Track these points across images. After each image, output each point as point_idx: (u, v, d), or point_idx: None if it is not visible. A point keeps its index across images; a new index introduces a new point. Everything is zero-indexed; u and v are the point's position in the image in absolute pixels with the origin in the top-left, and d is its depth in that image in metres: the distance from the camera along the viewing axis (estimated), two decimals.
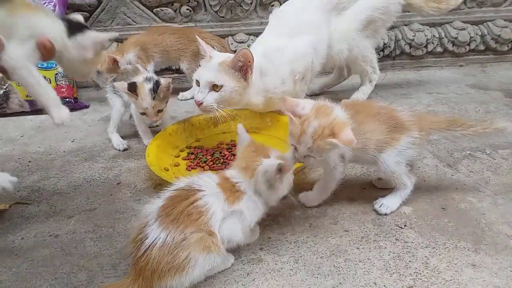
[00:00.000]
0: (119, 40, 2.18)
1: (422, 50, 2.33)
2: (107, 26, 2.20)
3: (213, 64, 1.34)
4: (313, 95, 1.99)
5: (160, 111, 1.49)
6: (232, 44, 2.23)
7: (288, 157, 1.05)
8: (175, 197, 0.89)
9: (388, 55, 2.33)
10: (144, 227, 0.86)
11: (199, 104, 1.32)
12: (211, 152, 1.47)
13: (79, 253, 1.06)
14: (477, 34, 2.32)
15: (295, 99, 1.05)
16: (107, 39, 1.07)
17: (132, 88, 1.44)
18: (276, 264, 0.99)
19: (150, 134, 1.60)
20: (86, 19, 2.16)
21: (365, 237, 1.07)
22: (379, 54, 2.17)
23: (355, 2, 1.68)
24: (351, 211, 1.17)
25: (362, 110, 1.10)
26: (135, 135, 1.66)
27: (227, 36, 2.25)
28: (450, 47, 2.33)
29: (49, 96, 0.96)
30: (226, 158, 1.41)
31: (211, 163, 1.40)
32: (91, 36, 1.03)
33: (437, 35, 2.31)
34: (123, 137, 1.64)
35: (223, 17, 2.23)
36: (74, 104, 2.02)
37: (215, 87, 1.32)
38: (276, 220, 1.14)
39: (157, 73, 1.89)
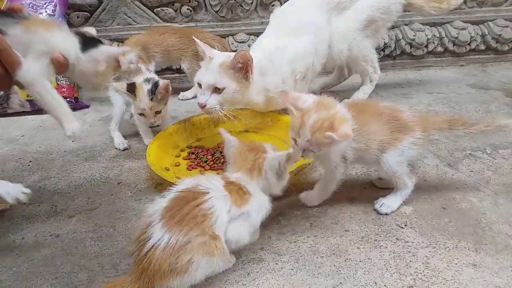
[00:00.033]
0: (119, 40, 2.18)
1: (423, 50, 2.33)
2: (107, 26, 2.21)
3: (213, 66, 1.34)
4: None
5: (158, 112, 1.49)
6: (232, 44, 2.23)
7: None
8: (180, 198, 0.89)
9: (389, 55, 2.33)
10: (148, 227, 0.86)
11: (202, 106, 1.34)
12: (211, 152, 1.47)
13: (79, 253, 1.07)
14: (477, 34, 2.32)
15: (297, 92, 1.06)
16: (119, 53, 1.09)
17: (131, 89, 1.44)
18: (276, 263, 0.99)
19: (150, 134, 1.60)
20: (87, 19, 2.16)
21: (365, 236, 1.07)
22: (379, 53, 2.18)
23: (356, 2, 1.68)
24: (351, 210, 1.17)
25: (365, 110, 1.10)
26: (136, 134, 1.67)
27: (228, 36, 2.25)
28: (450, 46, 2.33)
29: (61, 109, 0.99)
30: None
31: (212, 163, 1.41)
32: (104, 50, 1.05)
33: (437, 35, 2.31)
34: (124, 137, 1.64)
35: (223, 17, 2.23)
36: (74, 104, 2.02)
37: (217, 90, 1.33)
38: (277, 219, 1.14)
39: (158, 73, 1.89)
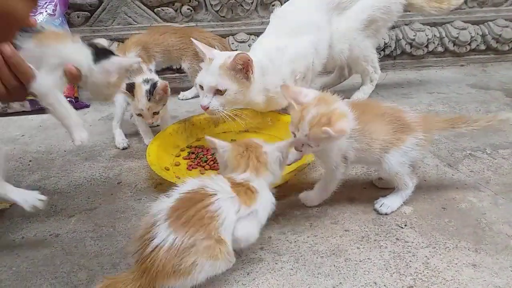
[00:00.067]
0: (120, 40, 2.18)
1: (423, 50, 2.33)
2: (108, 25, 2.21)
3: (213, 68, 1.34)
4: None
5: (156, 113, 1.49)
6: (233, 43, 2.23)
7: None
8: (187, 199, 0.88)
9: (389, 55, 2.33)
10: (152, 226, 0.85)
11: (205, 108, 1.35)
12: (211, 152, 1.47)
13: (79, 252, 1.07)
14: (478, 34, 2.32)
15: (298, 87, 1.06)
16: (131, 65, 1.11)
17: (130, 89, 1.44)
18: (276, 263, 0.99)
19: (150, 134, 1.60)
20: (87, 18, 2.16)
21: (365, 236, 1.07)
22: (380, 53, 2.17)
23: (356, 2, 1.68)
24: (351, 210, 1.17)
25: (368, 110, 1.10)
26: (136, 134, 1.67)
27: (228, 36, 2.25)
28: (451, 46, 2.32)
29: (72, 119, 1.01)
30: None
31: (212, 162, 1.40)
32: (116, 62, 1.07)
33: (438, 35, 2.31)
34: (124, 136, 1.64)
35: (224, 16, 2.23)
36: (74, 104, 2.02)
37: (218, 91, 1.34)
38: (277, 219, 1.14)
39: (158, 72, 1.89)
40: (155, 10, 2.21)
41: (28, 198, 1.05)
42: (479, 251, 1.00)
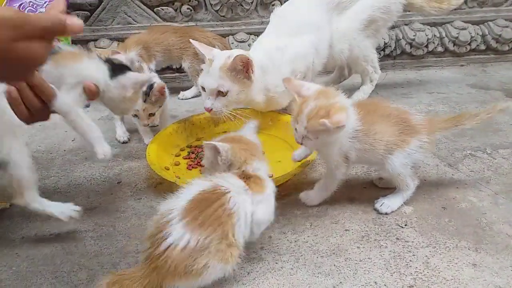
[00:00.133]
0: (120, 39, 2.18)
1: (423, 50, 2.32)
2: (107, 25, 2.20)
3: (214, 70, 1.35)
4: None
5: (151, 114, 1.49)
6: (233, 43, 2.22)
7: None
8: (203, 199, 0.87)
9: (389, 55, 2.33)
10: (165, 225, 0.84)
11: (209, 110, 1.37)
12: None
13: (79, 252, 1.07)
14: (478, 34, 2.31)
15: (301, 80, 1.09)
16: (146, 80, 1.16)
17: None
18: (276, 263, 0.99)
19: (150, 133, 1.60)
20: (87, 18, 2.16)
21: (365, 236, 1.07)
22: (379, 53, 2.17)
23: (356, 2, 1.68)
24: (351, 210, 1.17)
25: (373, 111, 1.10)
26: (136, 134, 1.67)
27: (228, 36, 2.24)
28: (451, 46, 2.32)
29: (93, 133, 1.06)
30: None
31: None
32: (132, 77, 1.10)
33: (438, 35, 2.31)
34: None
35: (223, 16, 2.23)
36: None
37: (221, 93, 1.35)
38: (277, 219, 1.13)
39: (158, 72, 1.88)
40: (155, 9, 2.20)
41: (65, 211, 1.09)
42: (480, 250, 1.00)
